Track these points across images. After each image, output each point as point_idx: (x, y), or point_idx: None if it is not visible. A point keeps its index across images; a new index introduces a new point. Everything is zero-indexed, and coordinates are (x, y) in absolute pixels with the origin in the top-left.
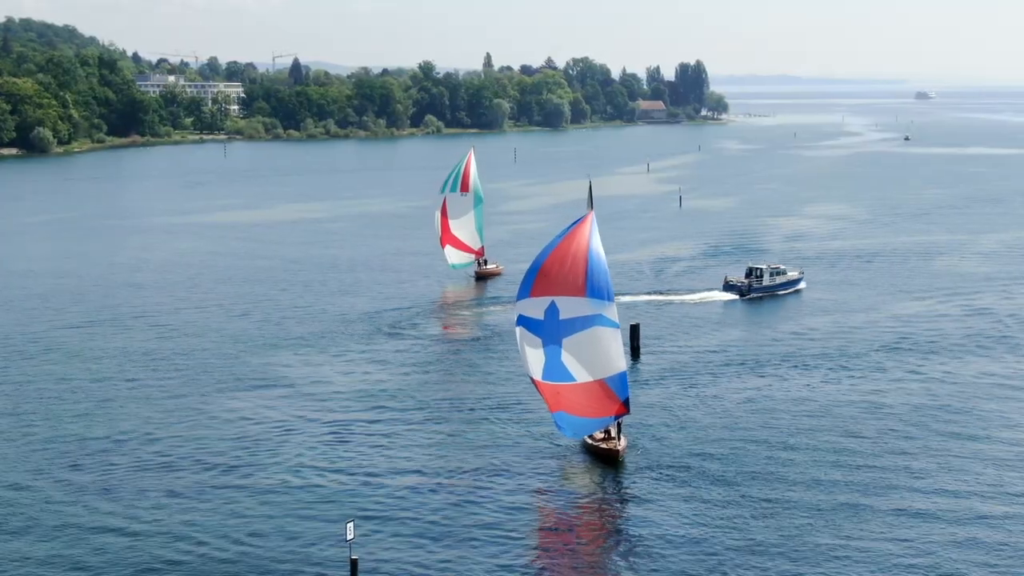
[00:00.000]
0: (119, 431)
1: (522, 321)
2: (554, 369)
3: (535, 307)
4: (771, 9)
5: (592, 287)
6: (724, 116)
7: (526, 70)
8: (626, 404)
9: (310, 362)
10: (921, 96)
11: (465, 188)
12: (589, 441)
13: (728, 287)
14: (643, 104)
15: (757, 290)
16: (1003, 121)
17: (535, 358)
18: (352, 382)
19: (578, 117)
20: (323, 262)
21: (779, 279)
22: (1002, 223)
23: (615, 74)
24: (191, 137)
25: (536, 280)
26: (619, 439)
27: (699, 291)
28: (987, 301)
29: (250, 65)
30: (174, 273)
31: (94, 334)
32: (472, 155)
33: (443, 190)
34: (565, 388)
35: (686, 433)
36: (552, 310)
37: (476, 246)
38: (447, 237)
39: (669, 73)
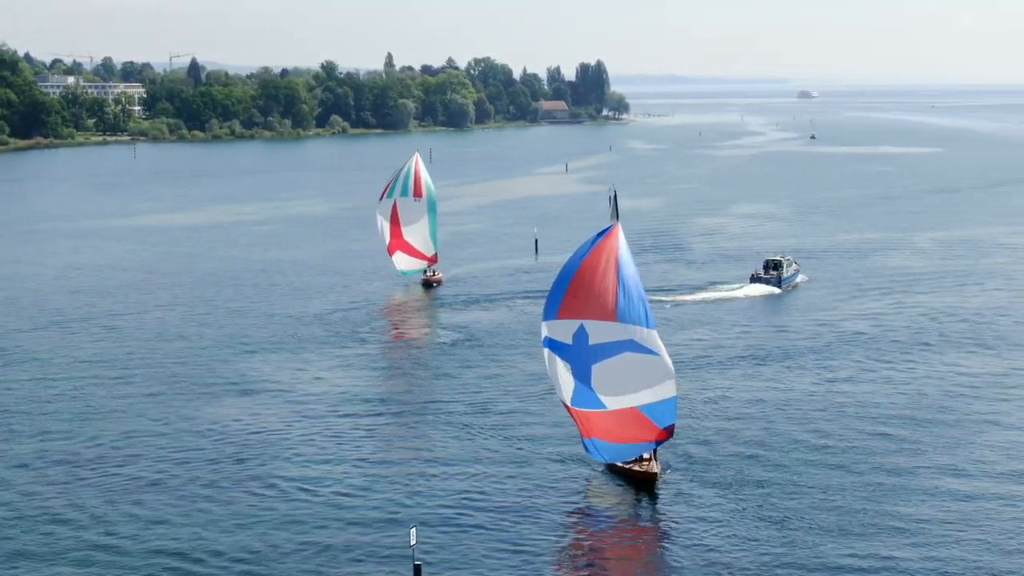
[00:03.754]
0: (106, 443)
1: (549, 344)
2: (584, 396)
3: (563, 330)
4: (655, 11)
5: (622, 311)
6: (625, 116)
7: (427, 70)
8: (668, 430)
9: (287, 367)
10: (804, 95)
11: (418, 193)
12: (620, 464)
13: (759, 280)
14: (546, 104)
15: (785, 281)
16: (897, 120)
17: (565, 383)
18: (338, 388)
19: (482, 117)
20: (266, 266)
21: (790, 271)
22: (933, 220)
23: (516, 74)
24: (95, 139)
25: (564, 300)
26: (652, 462)
27: (730, 287)
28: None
29: (147, 65)
30: (114, 278)
31: (44, 341)
32: (419, 159)
33: (390, 195)
34: (596, 415)
35: (735, 443)
36: (581, 334)
37: (429, 252)
38: (397, 243)
39: (569, 73)
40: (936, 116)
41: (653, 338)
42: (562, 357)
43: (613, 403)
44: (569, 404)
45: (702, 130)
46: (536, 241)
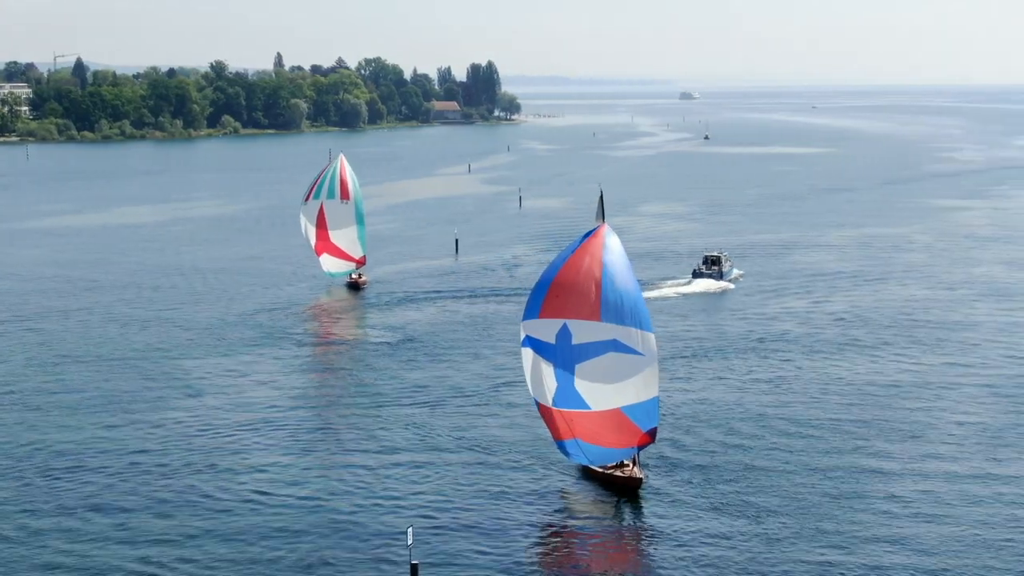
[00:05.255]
0: (44, 448)
1: (530, 343)
2: (567, 396)
3: (545, 329)
4: (535, 12)
5: (606, 310)
6: (516, 117)
7: (317, 70)
8: (651, 434)
9: (227, 370)
10: (686, 96)
11: (346, 196)
12: (600, 470)
13: (701, 275)
14: (437, 105)
15: (725, 276)
16: (783, 120)
17: (545, 383)
18: (286, 391)
19: (374, 117)
20: (183, 268)
21: (727, 266)
22: (843, 218)
23: (407, 75)
24: None
25: (546, 299)
26: (635, 468)
27: (677, 282)
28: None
29: (31, 66)
30: (29, 283)
31: None
32: (344, 160)
33: (316, 196)
34: (579, 416)
35: (714, 441)
36: (564, 333)
37: (357, 255)
38: (325, 245)
39: (460, 74)
40: (820, 117)
41: (639, 338)
42: (545, 357)
43: (597, 404)
44: (551, 405)
45: (595, 131)
46: (456, 241)
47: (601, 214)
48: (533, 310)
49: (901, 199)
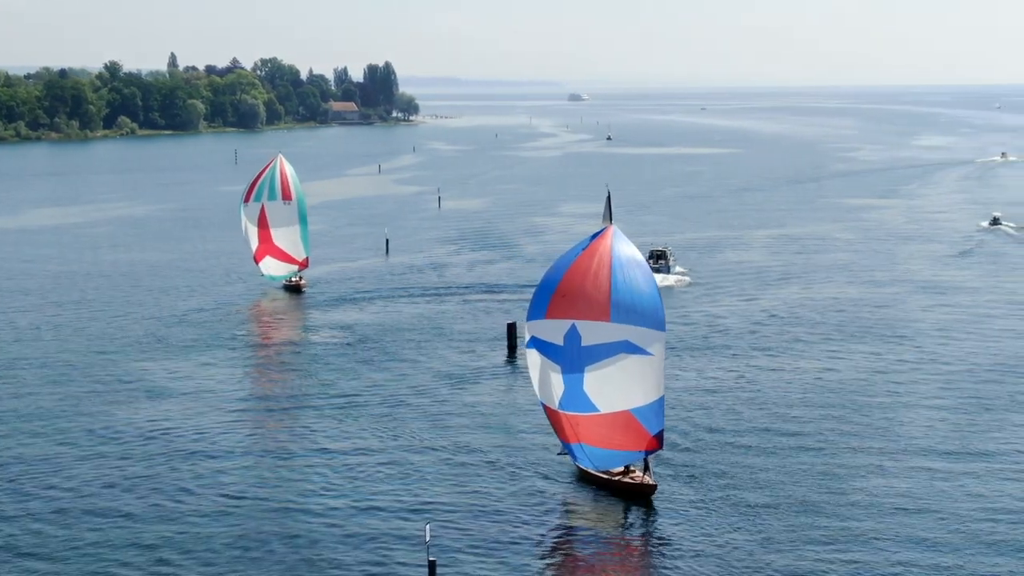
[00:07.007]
0: (9, 456)
1: (536, 344)
2: (574, 399)
3: (552, 330)
4: (420, 13)
5: (617, 311)
6: (415, 117)
7: (212, 70)
8: (658, 438)
9: (179, 370)
10: (574, 98)
11: (288, 196)
12: (606, 476)
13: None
14: (335, 105)
15: (672, 270)
16: (679, 121)
17: (552, 386)
18: (257, 392)
19: (272, 118)
20: (112, 270)
21: (672, 260)
22: (766, 216)
23: (303, 75)
24: None
25: (552, 300)
26: (646, 475)
27: None
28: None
29: None
30: None
31: None
32: (284, 161)
33: (257, 198)
34: (587, 419)
35: (716, 447)
36: (573, 335)
37: (300, 257)
38: (266, 248)
39: (357, 74)
40: (713, 118)
41: (651, 338)
42: (552, 359)
43: (606, 406)
44: (557, 408)
45: (497, 132)
46: (387, 241)
47: (608, 216)
48: (538, 311)
49: (815, 198)
